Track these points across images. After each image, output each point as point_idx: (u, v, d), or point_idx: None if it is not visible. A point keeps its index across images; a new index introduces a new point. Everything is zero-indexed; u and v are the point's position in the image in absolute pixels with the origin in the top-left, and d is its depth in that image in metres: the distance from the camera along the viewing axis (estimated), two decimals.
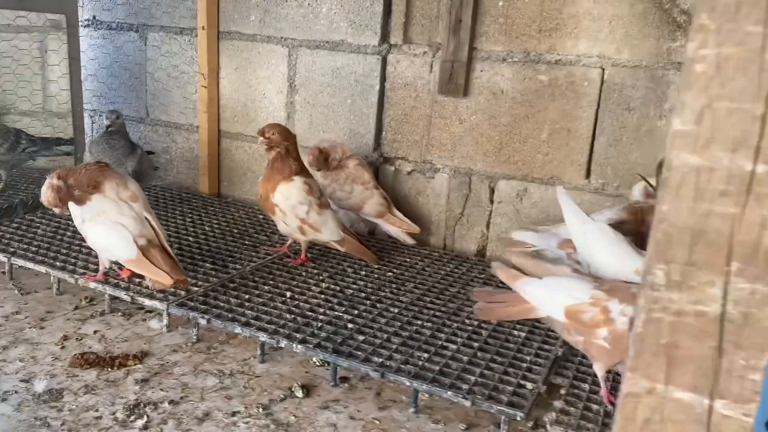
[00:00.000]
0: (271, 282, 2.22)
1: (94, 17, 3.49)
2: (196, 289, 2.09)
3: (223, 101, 3.25)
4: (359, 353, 1.77)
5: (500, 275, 1.75)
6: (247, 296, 2.08)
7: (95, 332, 2.01)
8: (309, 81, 3.00)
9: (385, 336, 1.88)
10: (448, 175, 2.78)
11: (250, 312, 1.97)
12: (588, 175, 2.53)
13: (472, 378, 1.68)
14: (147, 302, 2.01)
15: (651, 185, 2.24)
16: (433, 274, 2.43)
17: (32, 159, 3.12)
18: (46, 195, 1.97)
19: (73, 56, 2.92)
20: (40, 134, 3.23)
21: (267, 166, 2.33)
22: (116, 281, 2.10)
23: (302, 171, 2.34)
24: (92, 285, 2.10)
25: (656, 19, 2.32)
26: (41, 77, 3.46)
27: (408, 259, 2.58)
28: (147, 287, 2.05)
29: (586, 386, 1.70)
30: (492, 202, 2.72)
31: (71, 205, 2.00)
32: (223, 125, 3.28)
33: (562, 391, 1.69)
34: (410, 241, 2.70)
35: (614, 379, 1.73)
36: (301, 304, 2.06)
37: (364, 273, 2.39)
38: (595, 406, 1.61)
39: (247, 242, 2.62)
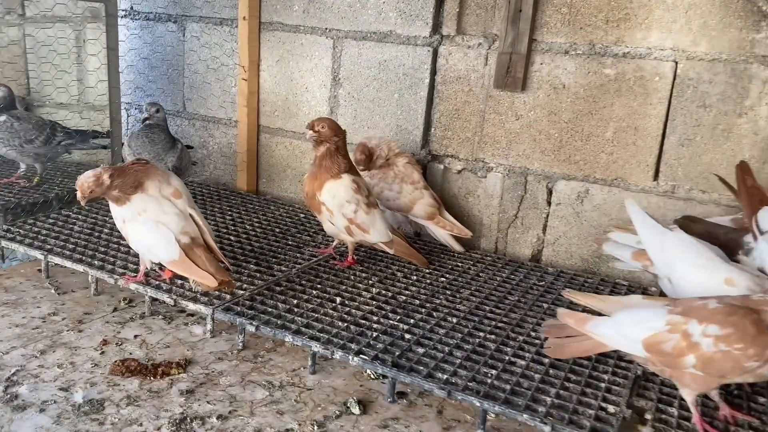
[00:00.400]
0: (319, 286, 2.09)
1: (131, 7, 3.39)
2: (242, 292, 1.97)
3: (263, 95, 3.13)
4: (421, 368, 1.63)
5: (568, 322, 1.59)
6: (295, 301, 1.95)
7: (136, 337, 1.90)
8: (354, 74, 2.86)
9: (447, 349, 1.73)
10: (502, 175, 2.62)
11: (299, 319, 1.84)
12: (656, 176, 2.36)
13: (548, 399, 1.52)
14: (191, 306, 1.89)
15: (730, 186, 2.06)
16: (489, 281, 2.28)
17: (68, 152, 3.03)
18: (85, 181, 1.81)
19: (111, 46, 2.82)
20: (77, 127, 3.15)
21: (314, 163, 2.20)
22: (157, 282, 1.98)
23: (351, 169, 2.21)
24: (132, 286, 1.98)
25: (738, 8, 2.14)
26: (78, 68, 3.37)
27: (459, 264, 2.43)
28: (190, 290, 1.94)
29: (674, 410, 1.54)
30: (549, 204, 2.55)
31: (111, 205, 1.88)
32: (263, 120, 3.16)
33: (648, 416, 1.52)
34: (459, 247, 2.55)
35: (703, 402, 1.57)
36: (353, 311, 1.93)
37: (415, 278, 2.24)
38: None
39: (290, 242, 2.49)
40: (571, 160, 2.48)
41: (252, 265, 2.21)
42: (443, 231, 2.53)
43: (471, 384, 1.57)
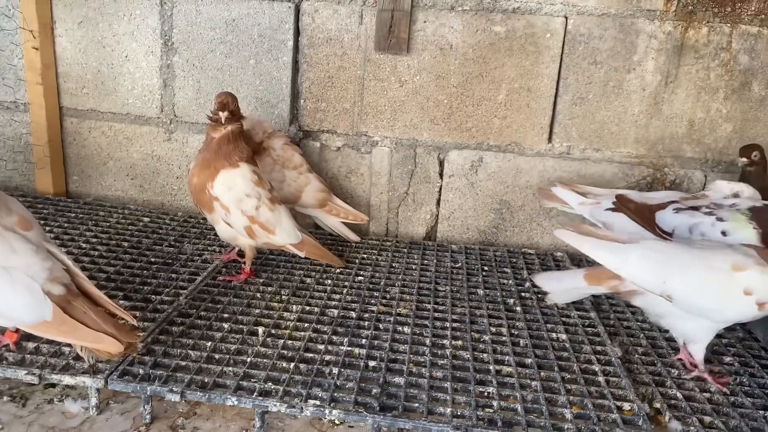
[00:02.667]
0: (226, 316, 1.63)
1: None
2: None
3: (64, 68, 2.40)
4: (415, 404, 1.31)
5: None
6: (209, 344, 1.48)
7: None
8: (193, 37, 2.31)
9: (424, 371, 1.44)
10: (388, 149, 2.33)
11: (230, 369, 1.39)
12: (551, 138, 2.28)
13: None
14: (68, 380, 1.31)
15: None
16: (407, 271, 2.01)
17: None
18: None
19: None
20: None
21: (205, 148, 1.72)
22: None
23: (251, 158, 1.76)
24: None
25: None
26: None
27: (365, 255, 2.12)
28: (61, 354, 1.35)
29: None
30: (442, 176, 2.34)
31: None
32: (67, 100, 2.43)
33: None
34: (354, 236, 2.23)
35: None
36: (288, 342, 1.52)
37: (330, 282, 1.88)
38: None
39: (153, 260, 1.93)
40: (462, 127, 2.29)
41: (122, 301, 1.64)
42: (336, 219, 2.19)
43: (484, 413, 1.30)
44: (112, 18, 2.32)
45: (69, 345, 1.35)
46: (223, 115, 1.69)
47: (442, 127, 2.29)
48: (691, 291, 1.43)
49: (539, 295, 1.90)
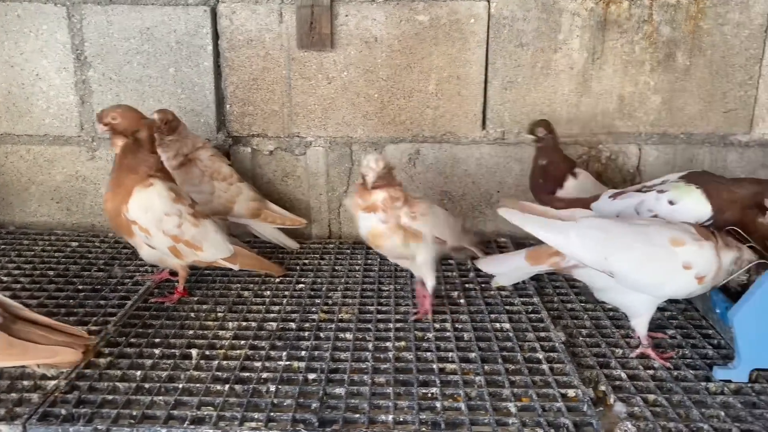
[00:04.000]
0: (157, 341, 1.55)
1: None
2: (53, 382, 1.35)
3: None
4: (357, 415, 1.27)
5: None
6: (138, 372, 1.41)
7: None
8: (107, 49, 2.20)
9: (366, 378, 1.39)
10: (323, 148, 2.27)
11: (161, 398, 1.32)
12: (484, 125, 2.25)
13: None
14: None
15: None
16: (350, 273, 1.97)
17: None
18: None
19: None
20: None
21: (114, 167, 1.63)
22: None
23: (163, 171, 1.69)
24: None
25: None
26: None
27: (306, 260, 2.07)
28: None
29: None
30: None
31: None
32: None
33: None
34: (293, 243, 2.17)
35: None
36: (223, 362, 1.46)
37: (269, 294, 1.82)
38: None
39: (81, 287, 1.84)
40: (396, 120, 2.24)
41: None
42: (272, 227, 2.12)
43: (425, 416, 1.26)
44: (17, 36, 2.20)
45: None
46: (99, 127, 1.64)
47: (376, 122, 2.25)
48: (631, 267, 1.43)
49: (483, 285, 1.88)
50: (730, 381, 1.39)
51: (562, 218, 1.53)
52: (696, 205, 1.63)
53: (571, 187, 2.00)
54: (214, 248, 1.72)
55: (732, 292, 1.53)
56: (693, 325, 1.66)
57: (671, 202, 1.66)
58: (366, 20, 2.15)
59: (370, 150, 2.26)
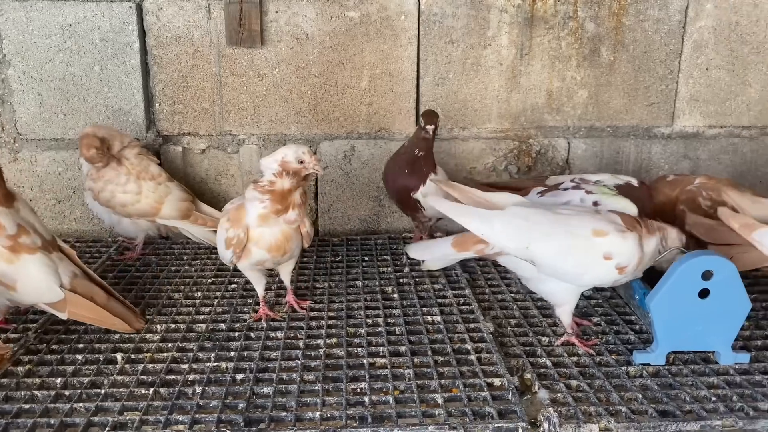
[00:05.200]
0: (80, 345, 1.51)
1: None
2: None
3: None
4: (284, 413, 1.26)
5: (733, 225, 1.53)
6: (59, 379, 1.36)
7: None
8: (27, 47, 2.12)
9: (296, 376, 1.39)
10: (256, 146, 2.25)
11: (81, 405, 1.28)
12: (418, 121, 2.26)
13: None
14: None
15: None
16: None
17: None
18: None
19: None
20: None
21: None
22: None
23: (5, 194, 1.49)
24: None
25: None
26: None
27: None
28: None
29: None
30: None
31: None
32: None
33: None
34: None
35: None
36: (149, 366, 1.43)
37: (200, 295, 1.79)
38: None
39: None
40: (330, 117, 2.24)
41: None
42: (204, 228, 2.07)
43: (353, 411, 1.27)
44: None
45: None
46: None
47: (310, 119, 2.24)
48: (552, 256, 1.46)
49: (417, 279, 1.89)
50: (648, 364, 1.45)
51: (492, 203, 1.56)
52: (621, 205, 1.68)
53: (431, 187, 1.89)
54: (32, 289, 1.47)
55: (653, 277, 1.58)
56: (617, 311, 1.71)
57: (596, 204, 1.70)
58: (296, 16, 2.13)
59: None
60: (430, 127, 1.88)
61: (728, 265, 1.38)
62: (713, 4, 2.18)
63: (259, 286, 1.67)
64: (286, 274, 1.70)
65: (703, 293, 1.39)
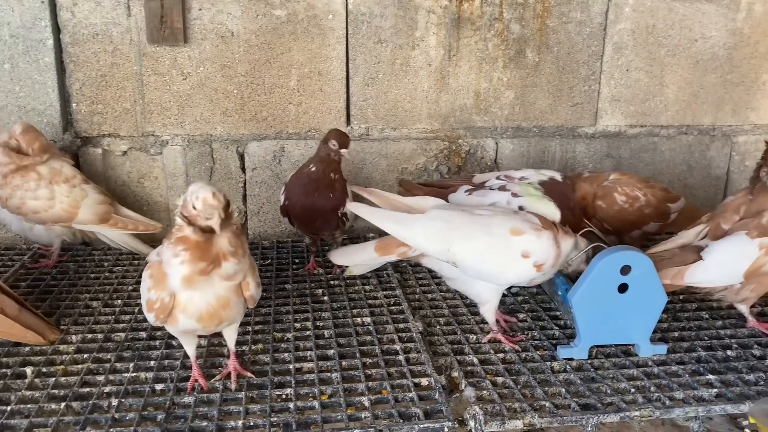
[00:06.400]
0: None
1: None
2: None
3: None
4: (204, 423, 1.22)
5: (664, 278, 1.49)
6: None
7: None
8: None
9: (219, 384, 1.35)
10: (181, 147, 2.18)
11: None
12: (349, 121, 2.25)
13: None
14: None
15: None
16: None
17: None
18: None
19: None
20: None
21: None
22: None
23: None
24: None
25: None
26: None
27: None
28: None
29: None
30: (244, 170, 2.24)
31: None
32: None
33: None
34: (148, 250, 2.02)
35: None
36: (61, 379, 1.35)
37: (120, 302, 1.72)
38: None
39: None
40: (258, 117, 2.19)
41: None
42: (122, 234, 1.98)
43: (277, 418, 1.24)
44: None
45: None
46: None
47: (237, 119, 2.18)
48: (472, 257, 1.48)
49: (348, 281, 1.87)
50: (572, 359, 1.48)
51: (411, 207, 1.56)
52: (546, 210, 1.71)
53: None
54: None
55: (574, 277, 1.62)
56: (542, 308, 1.74)
57: (522, 209, 1.73)
58: (221, 14, 2.08)
59: (233, 147, 2.20)
60: (344, 151, 1.75)
61: (645, 259, 1.43)
62: (631, 8, 2.25)
63: (190, 348, 1.35)
64: (229, 335, 1.37)
65: (622, 288, 1.43)
